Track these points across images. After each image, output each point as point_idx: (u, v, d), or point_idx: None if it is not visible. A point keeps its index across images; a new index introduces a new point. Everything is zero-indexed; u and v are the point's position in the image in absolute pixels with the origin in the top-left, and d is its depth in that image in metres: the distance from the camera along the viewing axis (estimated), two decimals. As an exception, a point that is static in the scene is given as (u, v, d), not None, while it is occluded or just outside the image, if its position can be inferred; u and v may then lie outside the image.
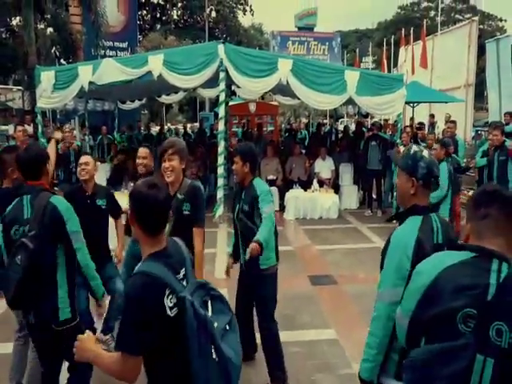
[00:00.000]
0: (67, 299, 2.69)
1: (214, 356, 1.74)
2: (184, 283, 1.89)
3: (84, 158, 4.00)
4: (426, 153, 2.05)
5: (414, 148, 2.09)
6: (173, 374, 1.83)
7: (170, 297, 1.78)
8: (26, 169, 2.72)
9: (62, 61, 19.91)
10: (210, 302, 1.87)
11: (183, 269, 1.93)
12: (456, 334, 1.38)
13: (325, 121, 20.52)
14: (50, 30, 18.15)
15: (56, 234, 2.63)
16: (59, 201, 2.69)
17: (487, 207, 1.54)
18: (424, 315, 1.49)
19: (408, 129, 9.24)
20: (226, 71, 8.20)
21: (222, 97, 8.57)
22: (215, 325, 1.80)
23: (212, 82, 9.14)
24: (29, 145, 3.39)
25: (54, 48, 19.09)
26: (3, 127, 14.93)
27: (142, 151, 4.03)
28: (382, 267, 2.00)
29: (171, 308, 1.78)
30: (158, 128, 18.83)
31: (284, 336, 4.10)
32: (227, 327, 1.87)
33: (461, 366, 1.36)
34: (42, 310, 2.64)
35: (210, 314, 1.82)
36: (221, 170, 8.67)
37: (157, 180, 2.01)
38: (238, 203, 3.44)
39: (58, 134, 3.67)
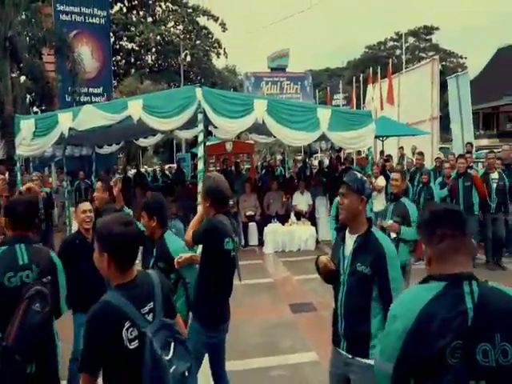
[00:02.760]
0: (60, 349, 2.73)
1: None
2: (150, 317, 1.90)
3: (86, 205, 3.79)
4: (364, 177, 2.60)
5: (358, 174, 2.58)
6: None
7: (131, 329, 1.82)
8: (18, 220, 2.69)
9: (34, 108, 20.16)
10: (173, 343, 1.87)
11: (151, 303, 1.93)
12: (446, 368, 1.38)
13: (299, 157, 21.09)
14: (22, 77, 18.46)
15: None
16: (55, 256, 2.81)
17: (442, 228, 1.53)
18: (410, 359, 1.45)
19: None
20: (204, 113, 8.57)
21: (201, 137, 8.89)
22: (173, 368, 1.80)
23: (189, 124, 9.49)
24: (20, 196, 3.39)
25: (28, 96, 19.37)
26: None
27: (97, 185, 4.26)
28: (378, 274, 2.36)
29: (131, 340, 1.81)
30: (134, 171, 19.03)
31: (269, 361, 4.41)
32: (186, 373, 1.87)
33: None
34: (45, 360, 2.60)
35: (170, 355, 1.82)
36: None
37: (125, 216, 2.04)
38: (150, 257, 3.28)
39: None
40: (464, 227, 1.57)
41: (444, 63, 41.47)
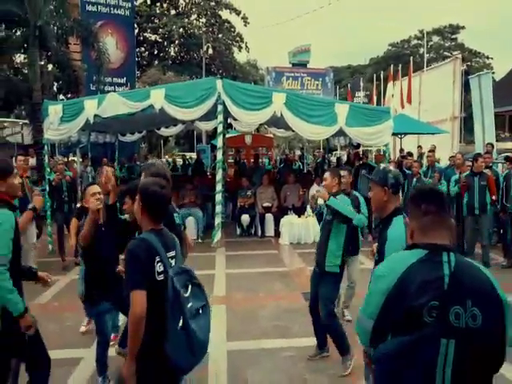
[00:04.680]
0: None
1: (181, 324, 2.15)
2: (172, 262, 2.33)
3: (95, 188, 3.71)
4: (392, 167, 2.73)
5: (383, 165, 2.68)
6: (152, 330, 2.19)
7: (160, 264, 2.23)
8: None
9: (61, 96, 20.62)
10: (190, 286, 2.28)
11: (173, 251, 2.38)
12: (422, 325, 1.52)
13: (316, 152, 21.15)
14: (50, 66, 18.92)
15: None
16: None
17: (427, 205, 1.71)
18: (390, 316, 1.59)
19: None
20: (224, 104, 8.75)
21: (220, 128, 9.11)
22: (189, 304, 2.20)
23: (209, 116, 9.70)
24: None
25: (55, 84, 19.83)
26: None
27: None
28: (380, 259, 2.41)
29: (159, 273, 2.22)
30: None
31: (280, 343, 4.64)
32: (200, 310, 2.27)
33: (429, 353, 1.52)
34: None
35: (187, 294, 2.23)
36: (219, 198, 9.10)
37: (163, 181, 2.48)
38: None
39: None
40: (446, 207, 1.75)
41: (470, 63, 40.86)
